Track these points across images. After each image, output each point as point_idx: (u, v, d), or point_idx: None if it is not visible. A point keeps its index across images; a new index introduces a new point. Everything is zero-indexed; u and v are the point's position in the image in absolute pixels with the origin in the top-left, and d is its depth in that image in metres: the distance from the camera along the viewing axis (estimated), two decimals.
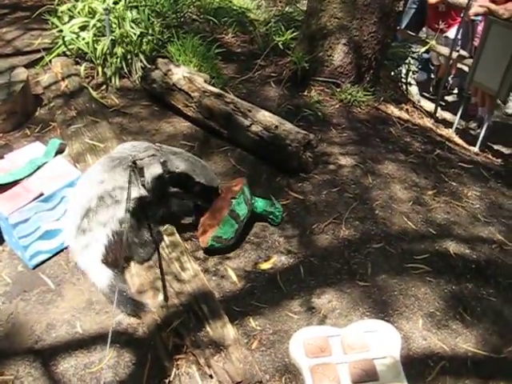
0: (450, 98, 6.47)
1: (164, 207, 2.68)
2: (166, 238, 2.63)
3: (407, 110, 4.57)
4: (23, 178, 2.58)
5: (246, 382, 2.07)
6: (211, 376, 2.10)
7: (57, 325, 2.34)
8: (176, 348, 2.19)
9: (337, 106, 3.82)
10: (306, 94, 3.86)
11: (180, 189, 2.68)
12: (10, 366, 2.17)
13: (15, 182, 2.56)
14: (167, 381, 2.11)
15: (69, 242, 2.49)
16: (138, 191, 2.48)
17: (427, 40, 5.37)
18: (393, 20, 3.90)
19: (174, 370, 2.14)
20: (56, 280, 2.54)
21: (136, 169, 2.50)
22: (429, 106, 5.81)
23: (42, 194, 2.51)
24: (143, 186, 2.52)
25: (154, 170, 2.56)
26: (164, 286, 2.38)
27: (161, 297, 2.35)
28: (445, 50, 5.42)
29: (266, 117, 3.14)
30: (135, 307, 2.34)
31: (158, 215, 2.67)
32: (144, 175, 2.53)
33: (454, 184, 3.27)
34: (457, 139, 4.81)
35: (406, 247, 2.77)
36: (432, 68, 6.82)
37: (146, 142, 2.76)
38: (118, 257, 2.46)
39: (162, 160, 2.58)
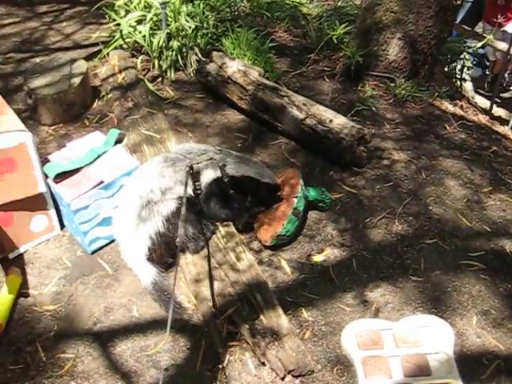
0: (506, 95, 6.30)
1: (225, 209, 2.71)
2: (221, 228, 2.68)
3: (462, 106, 4.48)
4: (84, 166, 2.68)
5: (298, 370, 2.10)
6: (264, 363, 2.14)
7: (114, 308, 2.43)
8: (230, 335, 2.24)
9: (391, 100, 3.78)
10: (359, 88, 3.84)
11: (243, 192, 2.69)
12: (70, 345, 2.27)
13: (76, 170, 2.66)
14: (221, 366, 2.16)
15: (118, 235, 2.57)
16: (189, 194, 2.51)
17: (484, 35, 5.25)
18: (450, 14, 3.83)
19: (228, 356, 2.18)
20: (113, 265, 2.62)
21: (192, 172, 2.54)
22: (483, 102, 5.68)
23: (101, 182, 2.59)
24: (198, 189, 2.56)
25: (210, 174, 2.59)
26: (212, 294, 2.39)
27: (216, 285, 2.40)
28: (502, 45, 5.29)
29: (320, 110, 3.15)
30: (174, 308, 2.30)
31: (220, 217, 2.72)
32: (199, 179, 2.57)
33: (511, 182, 3.20)
34: None
35: (460, 244, 2.74)
36: (487, 64, 6.66)
37: (205, 144, 2.78)
38: (163, 253, 2.52)
39: (220, 164, 2.61)
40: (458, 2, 3.83)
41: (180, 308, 2.40)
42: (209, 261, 2.52)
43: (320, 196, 2.80)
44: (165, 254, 2.54)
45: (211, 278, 2.45)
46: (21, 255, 2.68)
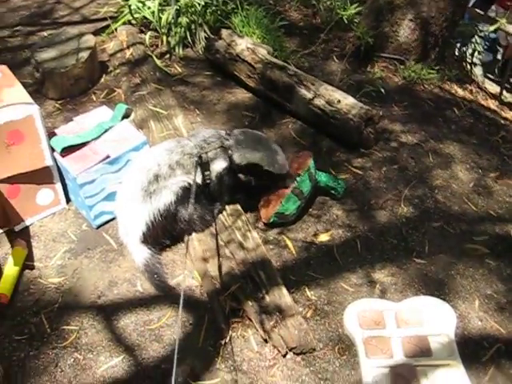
0: None
1: (235, 195, 2.72)
2: (227, 207, 2.68)
3: (471, 90, 4.45)
4: (91, 141, 2.67)
5: (300, 348, 2.12)
6: (266, 340, 2.16)
7: (118, 282, 2.44)
8: (233, 312, 2.26)
9: (400, 83, 3.76)
10: (368, 69, 3.82)
11: (250, 176, 2.65)
12: (74, 318, 2.29)
13: (83, 144, 2.65)
14: (223, 342, 2.17)
15: (119, 209, 2.56)
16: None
17: (496, 18, 5.19)
18: None
19: (230, 332, 2.20)
20: (118, 240, 2.62)
21: (201, 162, 2.52)
22: (493, 88, 5.62)
23: (108, 157, 2.59)
24: (208, 179, 2.55)
25: (221, 164, 2.57)
26: (220, 273, 2.41)
27: (220, 262, 2.41)
28: None
29: (328, 90, 3.13)
30: (165, 289, 2.41)
31: (229, 202, 2.72)
32: (209, 169, 2.55)
33: None
34: None
35: (465, 228, 2.74)
36: (499, 49, 6.59)
37: (215, 130, 2.71)
38: (160, 233, 2.52)
39: (230, 152, 2.57)
40: None
41: (171, 289, 2.42)
42: (216, 239, 2.52)
43: (332, 183, 2.78)
44: (161, 234, 2.53)
45: (219, 256, 2.46)
46: (27, 228, 2.68)
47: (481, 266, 2.54)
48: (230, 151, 2.57)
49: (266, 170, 2.59)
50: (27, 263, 2.50)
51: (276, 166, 2.60)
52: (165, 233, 2.54)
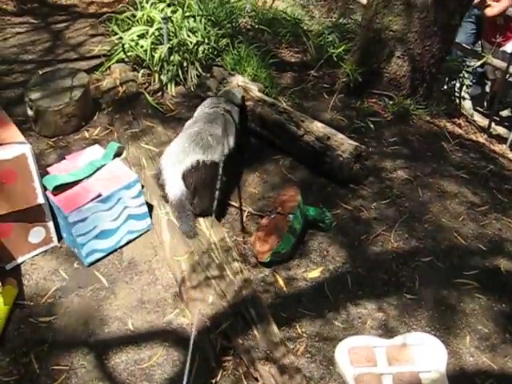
0: (504, 113, 6.33)
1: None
2: (216, 241, 2.69)
3: (460, 124, 4.52)
4: (83, 179, 2.69)
5: None
6: (257, 379, 2.15)
7: (109, 321, 2.44)
8: (223, 350, 2.25)
9: (389, 118, 3.81)
10: (358, 105, 3.87)
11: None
12: (64, 357, 2.28)
13: (75, 182, 2.67)
14: (214, 381, 2.17)
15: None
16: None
17: (483, 54, 5.30)
18: (450, 34, 3.88)
19: (221, 371, 2.19)
20: (110, 278, 2.63)
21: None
22: (482, 120, 5.71)
23: (100, 195, 2.60)
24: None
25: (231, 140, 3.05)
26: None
27: (211, 299, 2.41)
28: (501, 64, 5.33)
29: (318, 127, 3.17)
30: (188, 231, 2.72)
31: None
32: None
33: (507, 200, 3.22)
34: (511, 155, 4.72)
35: (456, 262, 2.76)
36: (487, 82, 6.70)
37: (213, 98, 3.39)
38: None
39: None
40: (457, 22, 3.87)
41: (196, 232, 2.74)
42: (207, 277, 2.54)
43: (320, 216, 2.82)
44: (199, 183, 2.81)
45: (209, 294, 2.46)
46: (18, 266, 2.69)
47: (471, 301, 2.55)
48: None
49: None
50: (18, 302, 2.50)
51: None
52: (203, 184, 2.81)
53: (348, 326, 2.42)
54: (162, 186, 2.84)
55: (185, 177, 2.77)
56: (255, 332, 2.26)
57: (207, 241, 2.68)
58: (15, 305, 2.48)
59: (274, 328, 2.29)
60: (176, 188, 2.76)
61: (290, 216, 2.66)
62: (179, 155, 2.83)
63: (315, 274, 2.65)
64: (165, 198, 2.84)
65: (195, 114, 3.25)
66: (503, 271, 2.71)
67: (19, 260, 2.70)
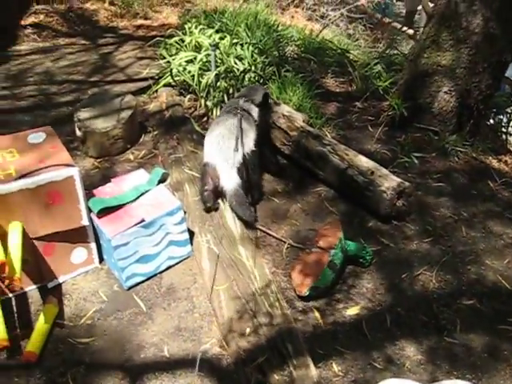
0: None
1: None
2: (257, 274, 2.68)
3: (506, 161, 4.43)
4: (127, 203, 2.74)
5: None
6: None
7: (146, 346, 2.44)
8: None
9: (434, 154, 3.76)
10: (402, 140, 3.84)
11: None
12: (100, 380, 2.29)
13: (119, 206, 2.72)
14: None
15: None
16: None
17: None
18: (499, 70, 3.83)
19: None
20: (148, 303, 2.65)
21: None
22: None
23: (143, 220, 2.64)
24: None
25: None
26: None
27: (248, 330, 2.40)
28: None
29: (362, 162, 3.15)
30: (249, 215, 3.00)
31: None
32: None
33: None
34: None
35: (499, 307, 2.68)
36: None
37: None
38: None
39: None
40: (508, 59, 3.81)
41: (253, 220, 3.03)
42: (245, 309, 2.53)
43: (361, 252, 2.79)
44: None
45: (247, 325, 2.45)
46: (59, 285, 2.73)
47: None
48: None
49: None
50: (57, 321, 2.53)
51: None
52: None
53: (385, 367, 2.37)
54: (209, 182, 3.08)
55: (238, 170, 3.05)
56: (291, 368, 2.23)
57: (247, 271, 2.68)
58: (55, 324, 2.52)
59: (311, 366, 2.25)
60: (232, 180, 3.02)
61: (331, 251, 2.64)
62: (226, 151, 3.09)
63: (354, 311, 2.61)
64: (208, 192, 3.08)
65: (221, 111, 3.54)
66: None
67: (61, 279, 2.74)
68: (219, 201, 3.11)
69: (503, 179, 3.69)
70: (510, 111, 5.08)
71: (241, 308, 2.52)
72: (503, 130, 5.00)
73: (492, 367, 2.39)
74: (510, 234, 3.17)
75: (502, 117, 5.05)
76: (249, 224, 3.00)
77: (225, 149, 3.10)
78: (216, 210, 3.07)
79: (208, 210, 3.06)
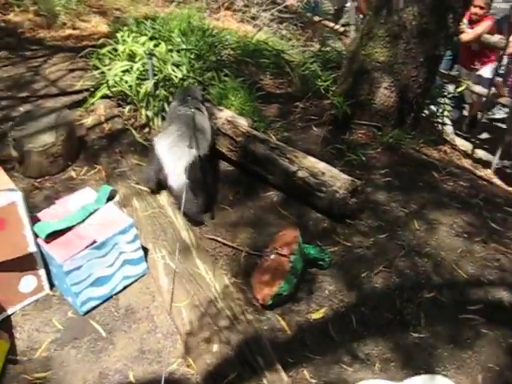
0: (483, 136, 6.42)
1: None
2: (217, 286, 2.61)
3: (445, 151, 4.55)
4: (76, 225, 2.61)
5: None
6: None
7: (109, 374, 2.34)
8: None
9: (379, 149, 3.80)
10: (347, 137, 3.86)
11: None
12: None
13: (68, 229, 2.59)
14: None
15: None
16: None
17: (460, 79, 5.38)
18: (434, 64, 3.92)
19: None
20: (107, 327, 2.53)
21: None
22: (463, 143, 5.78)
23: (94, 242, 2.52)
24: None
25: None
26: None
27: (215, 348, 2.33)
28: (478, 88, 5.42)
29: (312, 163, 3.14)
30: (196, 213, 3.04)
31: None
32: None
33: (502, 230, 3.22)
34: (496, 180, 4.77)
35: (459, 297, 2.72)
36: (465, 106, 6.82)
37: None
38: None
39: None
40: (442, 53, 3.91)
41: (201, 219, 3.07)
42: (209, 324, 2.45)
43: (319, 254, 2.77)
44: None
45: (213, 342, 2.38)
46: (8, 317, 2.57)
47: (479, 337, 2.51)
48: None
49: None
50: (10, 357, 2.38)
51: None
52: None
53: (356, 369, 2.36)
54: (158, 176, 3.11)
55: (187, 171, 2.99)
56: (264, 381, 2.18)
57: (207, 285, 2.60)
58: (7, 360, 2.36)
59: (283, 376, 2.21)
60: (180, 179, 2.98)
61: (291, 257, 2.60)
62: (176, 151, 3.07)
63: (319, 314, 2.59)
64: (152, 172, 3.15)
65: (168, 116, 3.59)
66: (506, 304, 2.69)
67: (9, 311, 2.59)
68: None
69: (446, 169, 3.77)
70: (442, 102, 5.24)
71: (205, 323, 2.45)
72: (439, 120, 5.14)
73: (459, 357, 2.42)
74: (459, 223, 3.23)
75: (434, 107, 5.18)
76: (196, 221, 3.04)
77: (179, 145, 3.10)
78: (158, 192, 3.19)
79: (152, 191, 3.18)
